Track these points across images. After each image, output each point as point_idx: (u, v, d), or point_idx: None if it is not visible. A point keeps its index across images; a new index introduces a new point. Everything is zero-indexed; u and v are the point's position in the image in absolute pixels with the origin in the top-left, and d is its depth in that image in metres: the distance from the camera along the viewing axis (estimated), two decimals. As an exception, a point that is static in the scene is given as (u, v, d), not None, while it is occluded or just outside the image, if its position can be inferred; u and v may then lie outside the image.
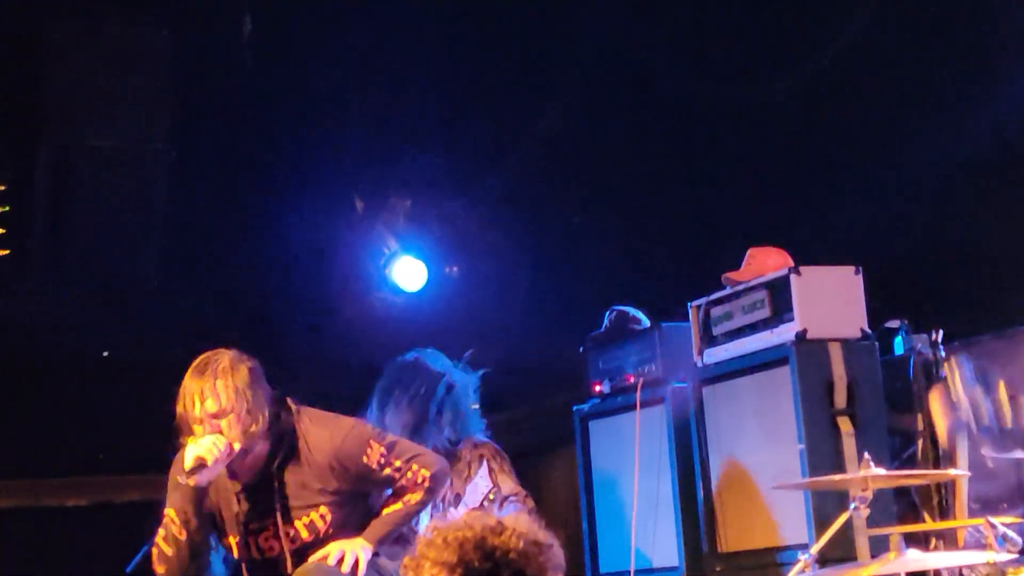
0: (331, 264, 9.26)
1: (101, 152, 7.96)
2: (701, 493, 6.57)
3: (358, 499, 5.47)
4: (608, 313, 7.42)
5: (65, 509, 9.60)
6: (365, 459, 5.34)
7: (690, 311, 6.74)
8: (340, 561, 5.22)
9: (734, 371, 6.51)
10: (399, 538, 5.48)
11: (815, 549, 5.48)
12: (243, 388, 5.25)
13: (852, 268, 6.33)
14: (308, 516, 5.40)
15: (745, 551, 6.38)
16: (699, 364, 6.68)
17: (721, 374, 6.58)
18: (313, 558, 5.31)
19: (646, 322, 7.30)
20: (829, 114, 7.93)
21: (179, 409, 5.33)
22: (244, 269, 8.85)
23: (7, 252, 8.35)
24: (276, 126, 8.71)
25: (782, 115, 8.06)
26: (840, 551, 5.68)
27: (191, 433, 5.30)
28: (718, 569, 6.47)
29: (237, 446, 5.23)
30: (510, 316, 9.15)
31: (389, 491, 5.54)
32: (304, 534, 5.39)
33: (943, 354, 6.31)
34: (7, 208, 8.32)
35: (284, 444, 5.37)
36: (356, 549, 5.29)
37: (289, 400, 5.48)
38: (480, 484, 6.45)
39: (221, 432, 5.23)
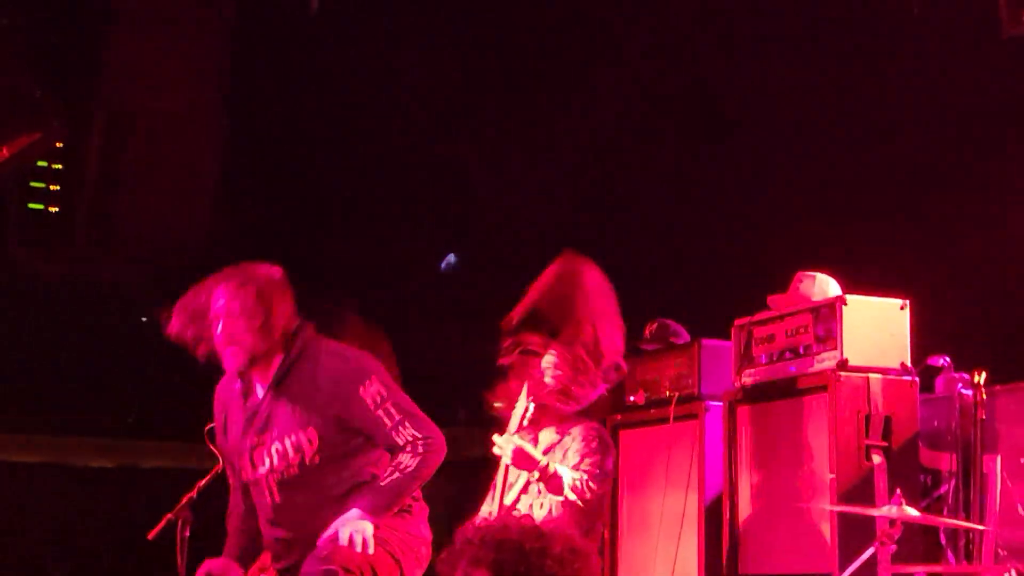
0: (381, 232, 9.25)
1: (155, 115, 7.99)
2: (727, 513, 6.53)
3: (348, 436, 5.35)
4: (649, 324, 7.38)
5: (91, 469, 9.65)
6: (362, 390, 5.29)
7: (733, 330, 6.71)
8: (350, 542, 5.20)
9: (771, 394, 6.48)
10: (400, 510, 5.43)
11: (838, 581, 5.45)
12: (267, 295, 5.27)
13: (900, 301, 6.29)
14: (297, 436, 5.31)
15: (767, 575, 6.34)
16: (737, 384, 6.64)
17: (758, 396, 6.54)
18: (321, 541, 5.28)
19: (686, 336, 7.26)
20: (883, 144, 7.90)
21: (197, 300, 5.32)
22: (297, 237, 8.85)
23: (57, 210, 8.40)
24: (331, 96, 8.71)
25: (836, 139, 8.02)
26: (863, 584, 5.67)
27: (200, 326, 5.31)
28: (738, 591, 6.44)
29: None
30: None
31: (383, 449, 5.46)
32: (290, 454, 5.34)
33: (985, 396, 6.26)
34: (60, 166, 8.37)
35: (294, 359, 5.35)
36: (359, 526, 5.26)
37: (312, 327, 5.48)
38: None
39: (234, 333, 5.24)
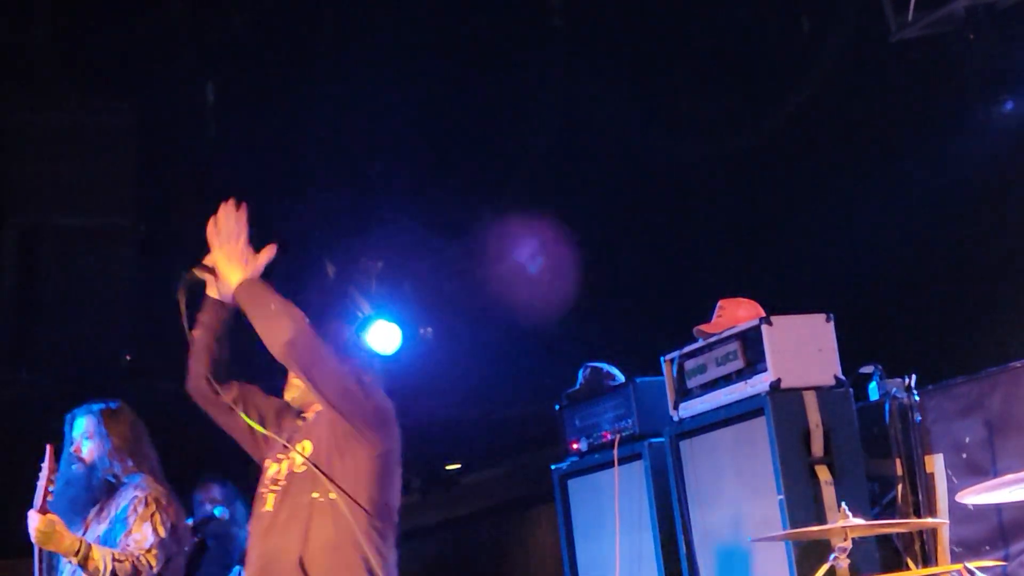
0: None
1: (67, 231, 7.92)
2: (683, 547, 6.51)
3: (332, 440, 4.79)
4: (582, 370, 7.38)
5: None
6: None
7: (663, 365, 6.71)
8: None
9: (710, 423, 6.48)
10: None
11: (797, 601, 5.45)
12: None
13: (823, 315, 6.29)
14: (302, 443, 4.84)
15: (729, 606, 6.33)
16: (675, 418, 6.64)
17: (698, 427, 6.54)
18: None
19: (620, 377, 7.26)
20: (796, 165, 7.96)
21: None
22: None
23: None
24: (244, 195, 8.67)
25: (750, 167, 8.08)
26: (823, 602, 5.65)
27: None
28: (702, 623, 6.42)
29: None
30: (486, 375, 9.12)
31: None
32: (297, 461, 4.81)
33: (917, 398, 6.30)
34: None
35: None
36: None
37: None
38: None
39: None
